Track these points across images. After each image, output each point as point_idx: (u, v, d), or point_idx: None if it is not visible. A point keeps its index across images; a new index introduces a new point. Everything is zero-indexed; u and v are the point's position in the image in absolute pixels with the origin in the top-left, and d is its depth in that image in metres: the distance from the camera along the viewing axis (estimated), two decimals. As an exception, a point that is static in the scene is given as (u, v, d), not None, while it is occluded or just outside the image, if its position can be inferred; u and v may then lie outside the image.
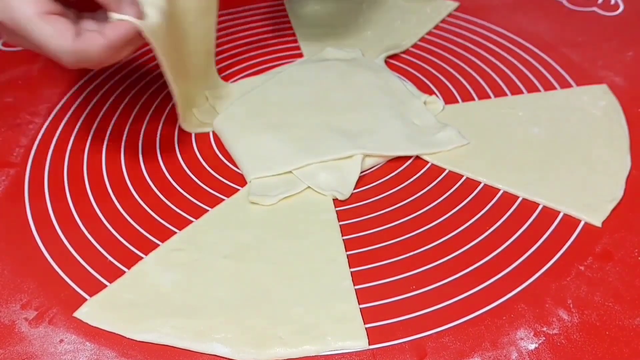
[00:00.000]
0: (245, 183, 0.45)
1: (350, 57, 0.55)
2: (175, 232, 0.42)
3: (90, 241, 0.41)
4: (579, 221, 0.41)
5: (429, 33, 0.60)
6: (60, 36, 0.36)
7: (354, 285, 0.38)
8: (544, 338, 0.35)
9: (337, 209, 0.43)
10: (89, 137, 0.49)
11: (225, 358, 0.35)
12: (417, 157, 0.47)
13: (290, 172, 0.45)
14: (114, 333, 0.36)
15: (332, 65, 0.54)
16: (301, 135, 0.47)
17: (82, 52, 0.37)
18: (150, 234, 0.42)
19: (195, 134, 0.49)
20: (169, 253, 0.40)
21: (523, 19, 0.61)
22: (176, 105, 0.46)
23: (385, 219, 0.42)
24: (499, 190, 0.44)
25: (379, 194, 0.44)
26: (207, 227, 0.42)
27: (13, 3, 0.36)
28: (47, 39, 0.36)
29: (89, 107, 0.52)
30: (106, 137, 0.49)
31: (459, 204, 0.43)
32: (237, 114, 0.49)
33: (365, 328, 0.36)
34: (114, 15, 0.38)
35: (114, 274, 0.39)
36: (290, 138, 0.47)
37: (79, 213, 0.43)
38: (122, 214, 0.43)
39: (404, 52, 0.57)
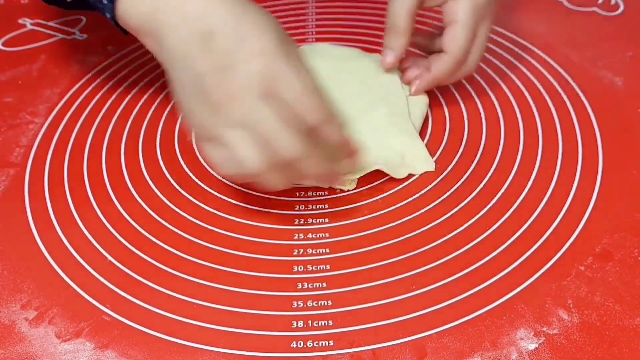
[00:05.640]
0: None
1: (349, 56, 0.55)
2: (175, 232, 0.42)
3: (90, 241, 0.41)
4: (579, 221, 0.41)
5: (429, 33, 0.60)
6: None
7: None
8: (544, 338, 0.35)
9: (337, 209, 0.43)
10: (89, 137, 0.49)
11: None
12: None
13: None
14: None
15: (327, 59, 0.54)
16: None
17: None
18: (150, 234, 0.42)
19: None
20: None
21: (523, 19, 0.61)
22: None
23: (385, 219, 0.42)
24: (499, 190, 0.44)
25: (379, 194, 0.44)
26: None
27: None
28: None
29: (89, 107, 0.52)
30: (106, 137, 0.49)
31: (459, 204, 0.43)
32: None
33: (366, 328, 0.36)
34: None
35: (114, 274, 0.39)
36: None
37: (79, 213, 0.43)
38: (122, 214, 0.43)
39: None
